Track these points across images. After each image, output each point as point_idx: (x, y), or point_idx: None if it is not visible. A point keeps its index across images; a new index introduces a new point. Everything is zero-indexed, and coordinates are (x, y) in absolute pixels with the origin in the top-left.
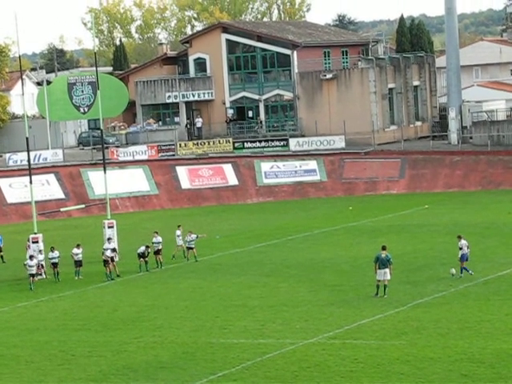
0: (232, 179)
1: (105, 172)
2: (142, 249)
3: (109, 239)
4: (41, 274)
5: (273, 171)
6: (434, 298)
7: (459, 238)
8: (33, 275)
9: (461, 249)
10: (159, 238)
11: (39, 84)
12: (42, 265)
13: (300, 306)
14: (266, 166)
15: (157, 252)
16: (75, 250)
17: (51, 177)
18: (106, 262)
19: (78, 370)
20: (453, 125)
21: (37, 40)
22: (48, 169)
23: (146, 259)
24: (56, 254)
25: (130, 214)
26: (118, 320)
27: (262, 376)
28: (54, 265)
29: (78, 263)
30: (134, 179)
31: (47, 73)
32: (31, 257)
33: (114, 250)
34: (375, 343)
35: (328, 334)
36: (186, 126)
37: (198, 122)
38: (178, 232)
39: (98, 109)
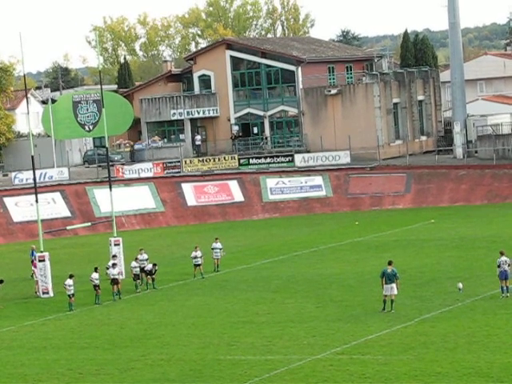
0: (238, 195)
1: (110, 190)
2: (149, 266)
3: (113, 256)
4: (47, 293)
5: (278, 187)
6: (441, 312)
7: (501, 253)
8: (73, 295)
9: (499, 266)
10: (145, 256)
11: (44, 102)
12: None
13: (307, 322)
14: (271, 182)
15: (143, 270)
16: (94, 275)
17: (57, 195)
18: (113, 281)
19: None
20: (458, 139)
21: (41, 58)
22: (54, 187)
23: (153, 276)
24: (96, 275)
25: (136, 232)
26: (125, 338)
27: None
28: (96, 287)
29: (97, 287)
30: (140, 196)
31: (52, 91)
32: (71, 276)
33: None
34: (383, 358)
35: (335, 349)
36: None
37: (197, 139)
38: (215, 245)
39: (103, 127)
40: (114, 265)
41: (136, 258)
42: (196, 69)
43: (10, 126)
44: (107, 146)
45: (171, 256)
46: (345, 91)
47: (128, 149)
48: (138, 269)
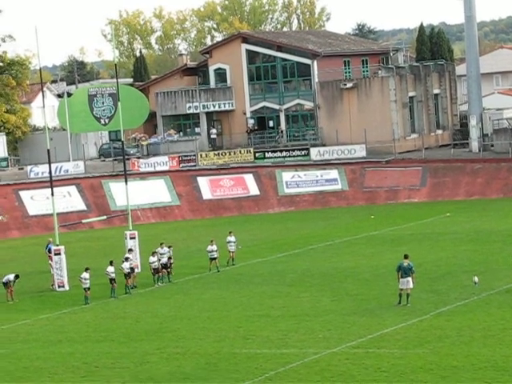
0: (253, 189)
1: (126, 183)
2: (165, 260)
3: (129, 250)
4: (63, 286)
5: (294, 181)
6: (456, 306)
7: None
8: (88, 288)
9: None
10: (165, 249)
11: (60, 96)
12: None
13: (322, 316)
14: (287, 175)
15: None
16: (110, 268)
17: (73, 189)
18: (126, 275)
19: (102, 382)
20: (474, 132)
21: (57, 52)
22: (69, 181)
23: (169, 270)
24: (112, 269)
25: (152, 225)
26: (140, 331)
27: None
28: (111, 280)
29: (113, 281)
30: (156, 190)
31: (68, 85)
32: (87, 269)
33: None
34: (398, 352)
35: (351, 343)
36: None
37: (212, 133)
38: (230, 238)
39: (119, 120)
40: (126, 259)
41: (154, 253)
42: (212, 62)
43: (26, 119)
44: (123, 139)
45: (187, 250)
46: (360, 85)
47: (145, 142)
48: (157, 263)
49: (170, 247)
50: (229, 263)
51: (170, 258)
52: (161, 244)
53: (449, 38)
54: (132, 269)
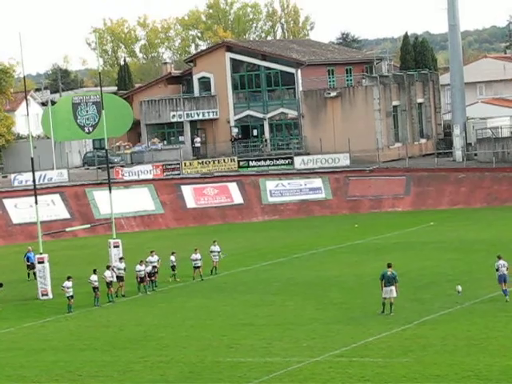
0: (237, 198)
1: (110, 192)
2: (149, 268)
3: (121, 259)
4: (47, 295)
5: (278, 189)
6: (440, 315)
7: (498, 257)
8: (72, 297)
9: (497, 270)
10: (155, 258)
11: (44, 104)
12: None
13: (307, 324)
14: (271, 184)
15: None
16: (93, 277)
17: (56, 197)
18: (108, 284)
19: None
20: (457, 142)
21: (41, 60)
22: (53, 189)
23: (153, 278)
24: (95, 277)
25: (136, 234)
26: (124, 339)
27: None
28: (95, 289)
29: (96, 289)
30: (140, 198)
31: (52, 93)
32: (69, 278)
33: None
34: (382, 361)
35: (335, 351)
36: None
37: (196, 141)
38: (213, 248)
39: (103, 128)
40: (108, 267)
41: (141, 261)
42: (196, 71)
43: (10, 127)
44: (107, 147)
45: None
46: (344, 94)
47: (129, 151)
48: (143, 272)
49: (173, 253)
50: (212, 272)
51: (154, 267)
52: (151, 252)
53: (433, 47)
54: (120, 277)
